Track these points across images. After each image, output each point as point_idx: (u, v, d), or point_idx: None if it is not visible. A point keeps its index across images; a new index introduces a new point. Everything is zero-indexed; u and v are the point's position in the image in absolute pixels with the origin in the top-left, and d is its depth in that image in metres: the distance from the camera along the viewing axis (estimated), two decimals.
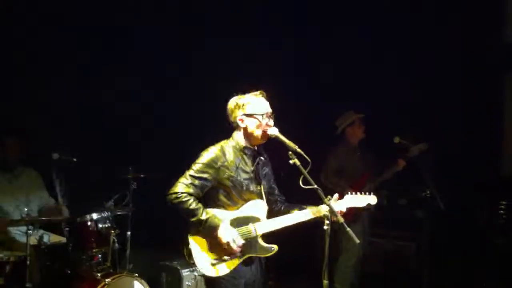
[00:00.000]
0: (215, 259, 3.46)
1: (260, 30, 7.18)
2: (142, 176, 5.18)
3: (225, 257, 3.46)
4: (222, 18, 7.07)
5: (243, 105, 3.61)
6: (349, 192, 3.81)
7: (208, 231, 3.44)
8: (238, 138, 3.64)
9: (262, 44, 7.08)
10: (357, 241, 3.43)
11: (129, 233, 5.05)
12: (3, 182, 5.07)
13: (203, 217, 3.41)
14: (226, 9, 7.08)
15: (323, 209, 3.53)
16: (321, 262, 3.35)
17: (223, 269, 3.46)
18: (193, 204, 3.42)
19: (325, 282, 3.35)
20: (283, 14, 7.31)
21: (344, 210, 3.68)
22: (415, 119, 6.55)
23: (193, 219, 3.41)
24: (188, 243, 3.50)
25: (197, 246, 3.49)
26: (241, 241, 3.47)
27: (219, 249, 3.47)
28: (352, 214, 5.40)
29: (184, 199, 3.41)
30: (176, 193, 3.43)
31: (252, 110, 3.59)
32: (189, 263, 3.55)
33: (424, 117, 6.61)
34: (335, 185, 5.48)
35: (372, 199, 3.84)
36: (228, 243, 3.42)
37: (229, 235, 3.43)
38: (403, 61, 6.69)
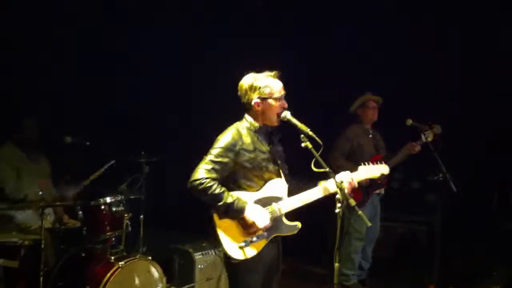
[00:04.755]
0: (244, 241, 3.44)
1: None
2: (154, 160, 5.19)
3: (254, 239, 3.45)
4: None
5: (259, 88, 3.56)
6: (362, 163, 3.80)
7: (235, 214, 3.43)
8: (251, 119, 3.63)
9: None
10: (368, 223, 3.47)
11: (142, 216, 5.07)
12: (25, 165, 5.10)
13: (229, 200, 3.39)
14: None
15: (330, 185, 3.54)
16: (331, 244, 3.38)
17: (250, 251, 3.45)
18: (217, 189, 3.39)
19: (337, 265, 3.35)
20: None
21: (356, 184, 3.64)
22: (427, 103, 6.51)
23: (219, 204, 3.39)
24: (215, 227, 3.46)
25: (224, 229, 3.46)
26: (268, 219, 3.48)
27: (246, 232, 3.47)
28: (360, 197, 5.43)
29: (208, 185, 3.37)
30: (200, 179, 3.38)
31: (269, 94, 3.56)
32: (217, 246, 3.52)
33: (435, 101, 6.58)
34: (341, 167, 5.44)
35: (384, 168, 3.81)
36: (255, 223, 3.42)
37: (256, 214, 3.44)
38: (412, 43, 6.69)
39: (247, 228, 3.47)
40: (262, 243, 3.50)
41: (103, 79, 6.44)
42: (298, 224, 3.57)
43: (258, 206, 3.49)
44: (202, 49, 7.08)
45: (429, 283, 5.24)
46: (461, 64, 6.47)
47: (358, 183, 3.71)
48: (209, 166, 3.43)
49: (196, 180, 3.39)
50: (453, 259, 5.91)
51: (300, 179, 3.75)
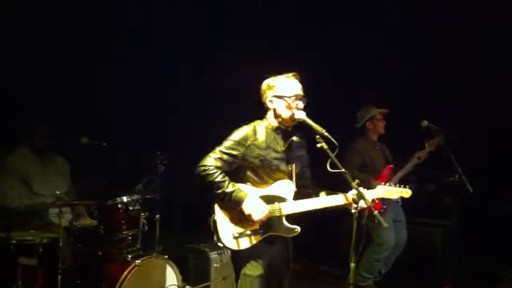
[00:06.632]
0: (238, 232, 3.52)
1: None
2: (169, 160, 5.22)
3: (247, 232, 3.52)
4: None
5: (274, 86, 3.67)
6: (384, 183, 3.81)
7: (233, 204, 3.50)
8: (270, 118, 3.70)
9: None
10: (385, 225, 3.47)
11: (158, 216, 5.11)
12: (37, 165, 5.18)
13: (229, 189, 3.47)
14: None
15: (350, 196, 3.55)
16: (347, 245, 3.41)
17: (244, 243, 3.52)
18: (219, 176, 3.48)
19: (352, 265, 3.39)
20: None
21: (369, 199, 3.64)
22: (439, 104, 6.52)
23: (219, 191, 3.48)
24: (214, 214, 3.57)
25: (222, 217, 3.55)
26: (266, 214, 3.51)
27: (242, 223, 3.54)
28: (380, 206, 5.43)
29: (211, 172, 3.48)
30: (205, 165, 3.50)
31: (281, 92, 3.63)
32: (212, 234, 3.59)
33: (448, 102, 6.59)
34: (357, 178, 5.47)
35: (406, 193, 3.81)
36: (250, 215, 3.48)
37: (254, 207, 3.49)
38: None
39: (244, 220, 3.53)
40: (257, 238, 3.55)
41: (103, 78, 6.48)
42: (298, 228, 3.59)
43: (260, 200, 3.54)
44: (209, 48, 7.13)
45: (444, 284, 5.25)
46: (461, 64, 6.47)
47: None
48: (217, 156, 3.54)
49: (201, 166, 3.51)
50: (469, 260, 5.89)
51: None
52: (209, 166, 3.50)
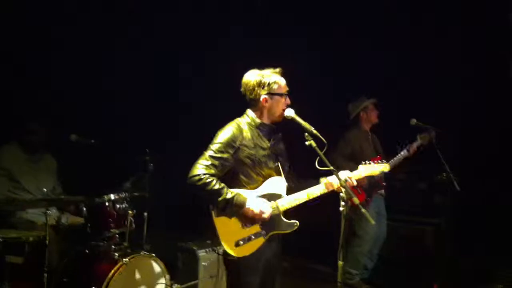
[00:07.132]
0: (241, 239, 3.44)
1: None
2: (158, 158, 5.19)
3: (251, 237, 3.45)
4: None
5: (268, 84, 3.55)
6: (362, 162, 3.79)
7: (235, 209, 3.41)
8: (253, 115, 3.61)
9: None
10: (372, 222, 3.44)
11: (146, 214, 5.06)
12: (26, 163, 5.17)
13: (229, 196, 3.38)
14: None
15: (334, 180, 3.51)
16: (335, 243, 3.33)
17: (248, 249, 3.45)
18: (216, 184, 3.37)
19: (340, 263, 3.33)
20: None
21: (355, 183, 3.62)
22: (439, 104, 6.48)
23: (219, 199, 3.36)
24: (213, 224, 3.45)
25: (222, 226, 3.44)
26: (270, 210, 3.46)
27: (244, 229, 3.46)
28: (363, 198, 5.42)
29: (207, 181, 3.35)
30: (198, 175, 3.35)
31: (275, 89, 3.56)
32: (216, 244, 3.51)
33: (448, 102, 6.54)
34: (341, 168, 5.43)
35: (384, 166, 3.83)
36: (261, 212, 3.40)
37: (258, 205, 3.42)
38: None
39: (246, 225, 3.46)
40: (260, 241, 3.48)
41: (103, 78, 6.47)
42: (296, 222, 3.54)
43: (259, 198, 3.47)
44: (202, 48, 7.11)
45: (434, 282, 5.20)
46: (461, 65, 6.41)
47: (358, 183, 3.69)
48: (208, 162, 3.40)
49: (195, 176, 3.37)
50: (458, 259, 5.85)
51: (305, 179, 3.73)
52: (203, 175, 3.36)
